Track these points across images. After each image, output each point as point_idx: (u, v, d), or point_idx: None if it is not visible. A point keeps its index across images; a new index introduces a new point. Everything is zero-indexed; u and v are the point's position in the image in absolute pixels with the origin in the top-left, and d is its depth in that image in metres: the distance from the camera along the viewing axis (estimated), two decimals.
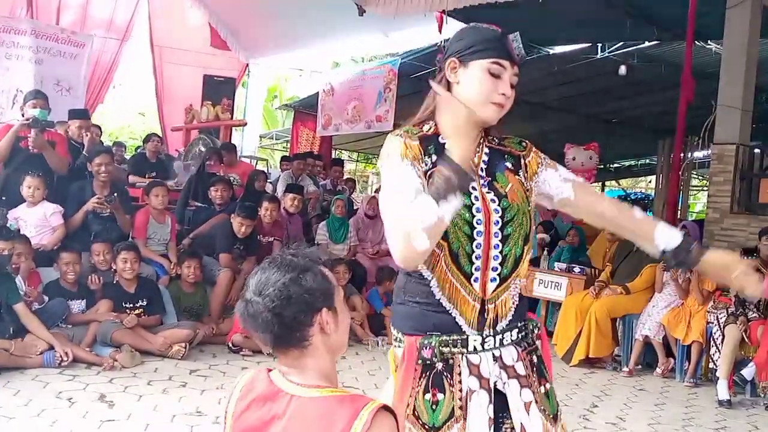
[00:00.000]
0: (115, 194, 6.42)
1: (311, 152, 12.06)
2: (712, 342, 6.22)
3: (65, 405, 4.42)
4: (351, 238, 8.28)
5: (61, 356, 5.13)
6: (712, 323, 6.26)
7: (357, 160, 22.46)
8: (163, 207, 6.81)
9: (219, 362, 5.82)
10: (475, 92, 1.89)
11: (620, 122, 14.85)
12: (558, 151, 10.94)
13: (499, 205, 1.91)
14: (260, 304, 1.53)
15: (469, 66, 1.90)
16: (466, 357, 1.88)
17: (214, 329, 6.33)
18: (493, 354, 1.91)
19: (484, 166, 1.97)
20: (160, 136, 10.90)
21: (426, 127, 1.96)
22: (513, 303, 1.94)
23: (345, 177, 12.27)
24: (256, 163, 13.21)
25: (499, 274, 1.90)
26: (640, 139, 16.12)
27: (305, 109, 14.43)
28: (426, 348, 1.86)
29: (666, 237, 1.99)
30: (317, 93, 13.19)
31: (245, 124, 12.77)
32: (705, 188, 17.52)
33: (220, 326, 6.41)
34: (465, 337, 1.88)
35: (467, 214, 1.86)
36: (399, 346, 1.93)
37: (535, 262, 8.35)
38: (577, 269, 7.63)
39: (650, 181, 25.37)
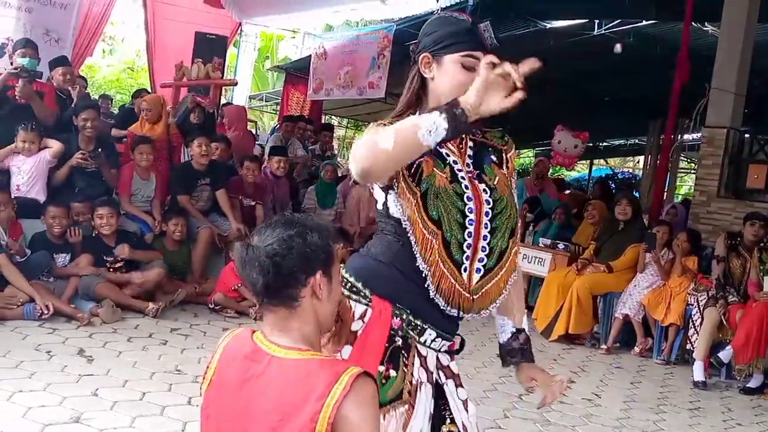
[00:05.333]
0: (100, 149, 6.35)
1: (302, 116, 11.96)
2: (690, 323, 6.28)
3: (44, 358, 4.40)
4: (338, 204, 8.25)
5: (41, 309, 5.09)
6: (692, 305, 6.31)
7: (347, 126, 22.33)
8: (148, 164, 6.74)
9: (200, 322, 5.82)
10: (450, 86, 1.86)
11: (612, 101, 14.80)
12: (547, 127, 10.90)
13: (490, 196, 1.90)
14: (261, 249, 1.54)
15: (442, 61, 1.88)
16: (417, 346, 1.87)
17: (197, 288, 6.32)
18: (435, 352, 1.91)
19: (470, 161, 1.95)
20: (150, 91, 10.76)
21: None
22: (499, 297, 1.92)
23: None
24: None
25: (484, 266, 1.87)
26: (630, 119, 16.09)
27: (297, 72, 14.28)
28: (396, 318, 1.84)
29: (527, 325, 2.13)
30: (309, 56, 13.05)
31: (236, 83, 12.63)
32: (693, 171, 17.59)
33: (203, 286, 6.40)
34: (425, 327, 1.86)
35: (459, 203, 1.85)
36: (359, 301, 1.87)
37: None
38: (561, 245, 7.65)
39: (638, 162, 25.43)
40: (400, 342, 1.84)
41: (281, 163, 7.92)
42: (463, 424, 1.91)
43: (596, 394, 5.29)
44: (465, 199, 1.85)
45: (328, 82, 12.19)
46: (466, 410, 1.93)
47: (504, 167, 2.00)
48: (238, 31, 13.77)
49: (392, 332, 1.83)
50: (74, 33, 10.45)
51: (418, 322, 1.85)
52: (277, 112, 16.01)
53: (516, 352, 2.09)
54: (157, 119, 7.40)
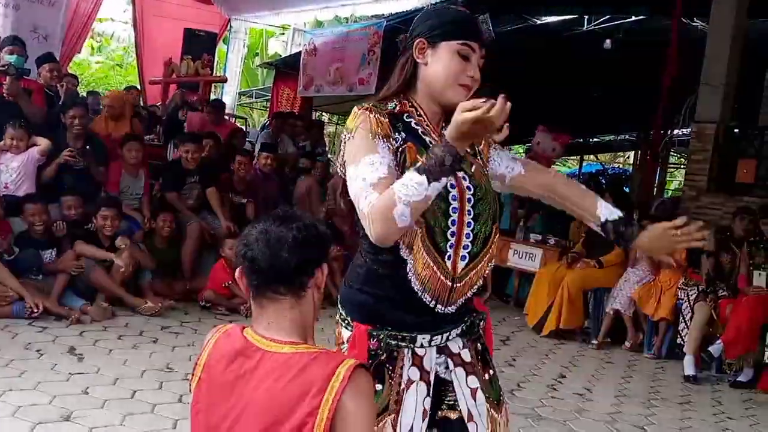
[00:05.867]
0: (88, 146, 6.31)
1: (292, 112, 11.93)
2: (681, 318, 6.30)
3: (34, 356, 4.38)
4: (329, 201, 8.21)
5: (31, 307, 5.06)
6: (683, 300, 6.32)
7: (337, 123, 22.28)
8: (137, 162, 6.69)
9: (191, 319, 5.80)
10: (443, 74, 1.88)
11: (601, 96, 14.82)
12: (536, 123, 10.88)
13: (470, 182, 1.92)
14: (283, 232, 1.56)
15: (438, 47, 1.88)
16: (412, 349, 1.90)
17: (187, 286, 6.30)
18: (438, 346, 1.94)
19: None
20: (139, 88, 10.72)
21: (391, 105, 1.93)
22: (478, 283, 1.95)
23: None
24: (235, 121, 13.08)
25: (469, 252, 1.90)
26: (620, 115, 16.13)
27: (286, 69, 14.24)
28: (373, 339, 1.87)
29: (608, 210, 2.06)
30: (299, 52, 13.02)
31: (225, 80, 12.60)
32: (682, 166, 17.65)
33: (193, 283, 6.37)
34: (414, 335, 1.88)
35: (443, 190, 1.84)
36: (346, 328, 1.94)
37: (510, 233, 8.35)
38: (551, 241, 7.65)
39: (628, 157, 25.54)
40: (384, 356, 1.87)
41: (268, 159, 7.87)
42: (469, 411, 1.93)
43: (588, 389, 5.30)
44: (448, 187, 1.85)
45: (318, 78, 12.16)
46: (474, 398, 1.95)
47: (478, 157, 2.03)
48: (227, 28, 13.73)
49: (371, 352, 1.86)
50: (62, 30, 10.39)
51: (405, 334, 1.88)
52: (267, 109, 15.97)
53: (619, 235, 2.04)
54: (119, 117, 7.34)
